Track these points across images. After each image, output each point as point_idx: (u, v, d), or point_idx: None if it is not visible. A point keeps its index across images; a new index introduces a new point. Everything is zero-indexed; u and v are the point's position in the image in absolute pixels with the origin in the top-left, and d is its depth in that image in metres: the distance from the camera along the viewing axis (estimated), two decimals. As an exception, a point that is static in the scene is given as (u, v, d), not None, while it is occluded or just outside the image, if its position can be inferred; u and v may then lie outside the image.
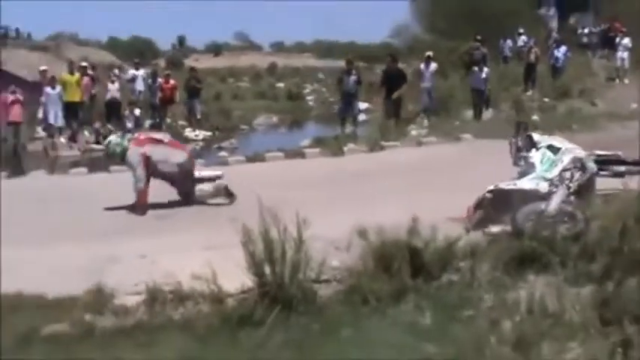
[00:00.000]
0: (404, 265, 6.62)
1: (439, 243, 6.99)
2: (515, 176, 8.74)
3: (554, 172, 8.41)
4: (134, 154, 10.27)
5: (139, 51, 65.42)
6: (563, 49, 28.61)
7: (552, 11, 43.91)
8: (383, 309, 6.23)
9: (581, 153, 8.65)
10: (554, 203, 8.01)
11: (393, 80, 20.61)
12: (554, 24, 38.37)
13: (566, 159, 8.48)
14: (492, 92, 23.26)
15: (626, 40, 27.26)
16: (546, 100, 24.48)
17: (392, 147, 16.48)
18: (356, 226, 7.24)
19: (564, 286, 6.36)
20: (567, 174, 8.41)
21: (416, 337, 5.72)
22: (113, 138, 10.75)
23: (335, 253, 7.27)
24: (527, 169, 8.58)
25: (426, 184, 10.46)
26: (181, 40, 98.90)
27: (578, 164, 8.53)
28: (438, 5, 46.56)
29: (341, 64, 26.48)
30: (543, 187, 8.23)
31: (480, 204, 8.57)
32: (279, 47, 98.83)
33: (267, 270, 6.22)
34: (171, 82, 26.31)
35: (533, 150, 8.69)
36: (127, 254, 7.59)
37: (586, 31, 33.96)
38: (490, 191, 8.46)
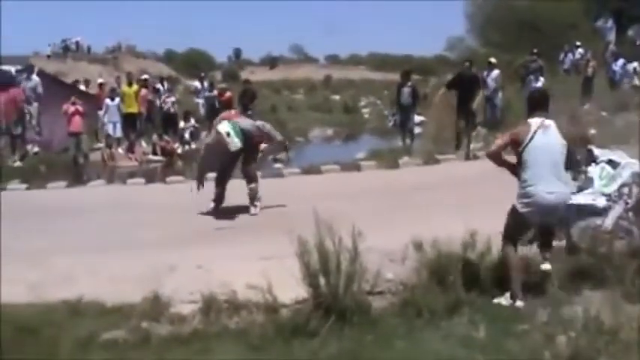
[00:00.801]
0: (458, 279, 6.63)
1: (494, 257, 6.98)
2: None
3: (613, 188, 8.30)
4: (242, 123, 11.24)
5: (194, 63, 66.14)
6: (620, 61, 28.21)
7: (610, 23, 43.29)
8: (436, 322, 6.25)
9: None
10: (610, 219, 7.92)
11: (466, 86, 18.32)
12: (611, 36, 37.75)
13: (625, 174, 8.35)
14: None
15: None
16: (604, 113, 24.15)
17: (447, 160, 16.42)
18: (411, 238, 7.25)
19: (621, 303, 6.30)
20: (626, 189, 8.28)
21: (469, 350, 5.73)
22: (223, 126, 11.01)
23: (390, 265, 7.28)
24: (585, 184, 8.48)
25: (482, 198, 10.39)
26: (237, 53, 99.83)
27: (638, 180, 8.40)
28: (493, 18, 46.31)
29: (395, 76, 26.39)
30: (601, 202, 8.09)
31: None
32: (334, 60, 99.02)
33: (322, 281, 6.28)
34: (227, 94, 26.52)
35: (593, 164, 8.58)
36: (183, 263, 7.68)
37: (641, 43, 33.40)
38: None
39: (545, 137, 6.95)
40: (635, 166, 8.45)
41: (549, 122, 7.08)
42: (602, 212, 8.04)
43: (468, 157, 16.70)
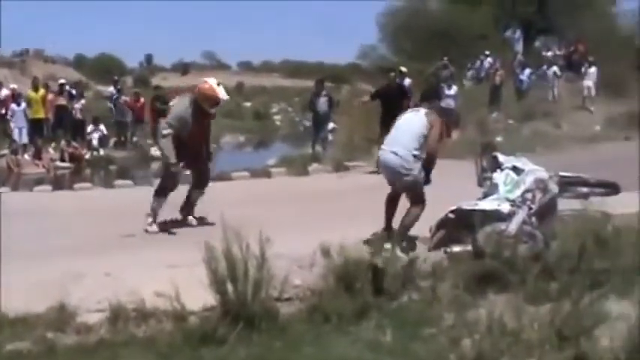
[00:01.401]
0: (366, 284, 6.71)
1: (401, 262, 7.09)
2: (479, 197, 8.85)
3: (517, 193, 8.51)
4: None
5: (105, 68, 65.09)
6: (527, 71, 28.97)
7: (518, 34, 44.44)
8: (344, 327, 6.30)
9: (544, 174, 8.73)
10: (514, 224, 8.11)
11: (393, 96, 16.71)
12: (519, 47, 38.79)
13: (528, 180, 8.57)
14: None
15: (593, 69, 27.37)
16: (511, 121, 24.74)
17: (357, 167, 16.57)
18: (319, 244, 7.31)
19: (523, 305, 6.45)
20: (529, 195, 8.50)
21: (377, 354, 5.79)
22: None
23: (298, 271, 7.31)
24: (490, 190, 8.67)
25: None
26: (149, 59, 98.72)
27: (541, 185, 8.63)
28: (405, 27, 46.87)
29: (308, 84, 26.52)
30: (505, 207, 8.28)
31: (441, 224, 8.65)
32: (246, 66, 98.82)
33: (230, 288, 6.27)
34: (141, 100, 26.26)
35: (498, 171, 8.78)
36: (91, 272, 7.55)
37: (550, 54, 34.35)
38: (452, 211, 8.53)
39: (412, 115, 9.00)
40: (538, 173, 8.69)
41: (423, 109, 9.08)
42: (507, 217, 8.22)
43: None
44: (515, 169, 8.73)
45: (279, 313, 6.46)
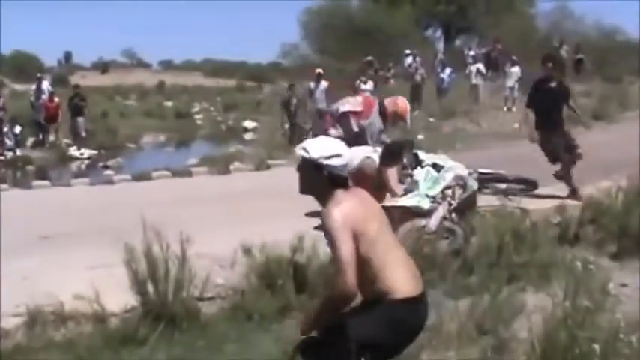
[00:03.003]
0: (287, 282, 6.74)
1: (322, 259, 7.13)
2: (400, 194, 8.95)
3: (437, 190, 8.63)
4: None
5: (22, 66, 63.68)
6: (448, 70, 29.35)
7: (439, 33, 45.11)
8: (267, 325, 6.34)
9: (463, 171, 8.87)
10: (434, 220, 8.20)
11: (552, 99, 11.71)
12: (440, 46, 39.33)
13: (448, 177, 8.70)
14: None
15: (516, 69, 27.70)
16: (431, 119, 25.02)
17: (278, 165, 16.61)
18: (240, 243, 7.32)
19: (443, 300, 6.57)
20: (449, 192, 8.63)
21: (299, 351, 5.82)
22: None
23: (219, 270, 7.33)
24: (411, 187, 8.76)
25: (311, 203, 10.56)
26: (67, 56, 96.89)
27: (461, 182, 8.77)
28: (327, 26, 47.09)
29: (230, 83, 26.51)
30: (425, 204, 8.38)
31: None
32: (167, 65, 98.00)
33: (151, 288, 6.24)
34: (56, 99, 25.80)
35: (418, 168, 8.87)
36: (8, 275, 7.40)
37: (471, 52, 34.89)
38: None
39: None
40: (458, 170, 8.83)
41: None
42: (427, 214, 8.31)
43: None
44: (435, 166, 8.84)
45: (200, 313, 6.46)
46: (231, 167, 16.30)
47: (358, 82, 23.39)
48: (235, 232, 7.91)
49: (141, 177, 15.49)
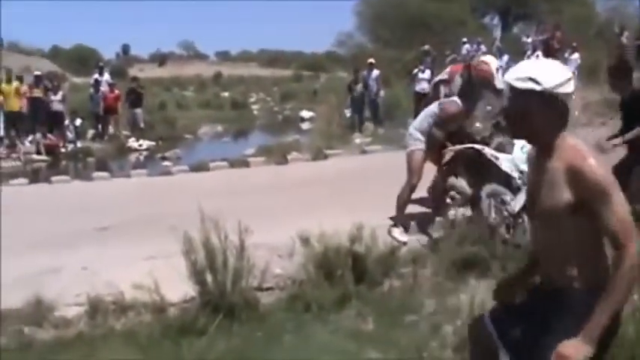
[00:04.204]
0: (346, 272, 6.67)
1: (381, 249, 7.05)
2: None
3: (525, 168, 8.42)
4: None
5: (82, 59, 64.55)
6: (505, 57, 28.96)
7: (496, 20, 44.59)
8: (325, 316, 6.27)
9: None
10: (519, 202, 7.76)
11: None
12: (497, 33, 38.85)
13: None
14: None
15: (576, 56, 27.22)
16: (489, 107, 24.67)
17: (335, 155, 16.55)
18: (298, 233, 7.26)
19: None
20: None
21: (358, 342, 5.77)
22: None
23: (278, 260, 7.29)
24: (506, 147, 8.34)
25: (368, 192, 10.52)
26: (125, 49, 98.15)
27: None
28: (382, 15, 46.95)
29: (286, 73, 26.54)
30: (516, 176, 8.03)
31: (454, 158, 8.48)
32: (224, 56, 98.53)
33: (209, 278, 6.22)
34: (116, 91, 26.10)
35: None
36: (68, 265, 7.48)
37: (529, 40, 34.39)
38: (471, 148, 8.35)
39: None
40: None
41: None
42: (514, 190, 8.00)
43: None
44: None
45: (259, 303, 6.42)
46: (289, 157, 16.28)
47: (416, 70, 23.19)
48: (293, 222, 7.86)
49: (198, 167, 15.57)
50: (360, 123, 22.59)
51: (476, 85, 9.07)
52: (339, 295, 6.51)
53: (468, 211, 8.51)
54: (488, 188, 7.99)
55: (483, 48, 30.69)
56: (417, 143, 8.62)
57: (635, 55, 34.59)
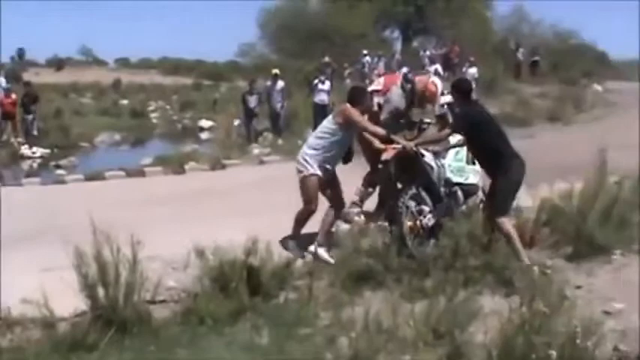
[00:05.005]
0: (241, 285, 6.65)
1: (276, 262, 7.06)
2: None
3: (459, 179, 8.77)
4: None
5: (-28, 63, 62.42)
6: (404, 70, 29.44)
7: (396, 34, 45.42)
8: (220, 329, 6.24)
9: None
10: (436, 215, 8.14)
11: None
12: (397, 46, 39.63)
13: (478, 178, 8.87)
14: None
15: (474, 70, 27.88)
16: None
17: (233, 165, 16.51)
18: (194, 245, 7.20)
19: (399, 302, 6.54)
20: (460, 193, 8.77)
21: (253, 356, 5.77)
22: None
23: (172, 273, 7.23)
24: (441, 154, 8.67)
25: (265, 203, 10.52)
26: (20, 53, 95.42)
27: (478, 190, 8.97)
28: (284, 26, 47.15)
29: (187, 81, 26.34)
30: (442, 186, 8.46)
31: (394, 157, 8.35)
32: (124, 63, 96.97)
33: (101, 292, 6.10)
34: (13, 96, 25.35)
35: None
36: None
37: (427, 53, 35.10)
38: (413, 150, 8.22)
39: None
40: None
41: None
42: (436, 199, 8.31)
43: None
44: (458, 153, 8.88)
45: (152, 317, 6.33)
46: (186, 167, 16.16)
47: (316, 81, 23.31)
48: (189, 234, 7.76)
49: (94, 177, 15.26)
50: (250, 134, 22.24)
51: (417, 98, 9.39)
52: (233, 308, 6.49)
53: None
54: (412, 192, 8.06)
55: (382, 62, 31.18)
56: (309, 167, 8.26)
57: (529, 71, 35.86)
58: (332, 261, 7.97)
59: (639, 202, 8.95)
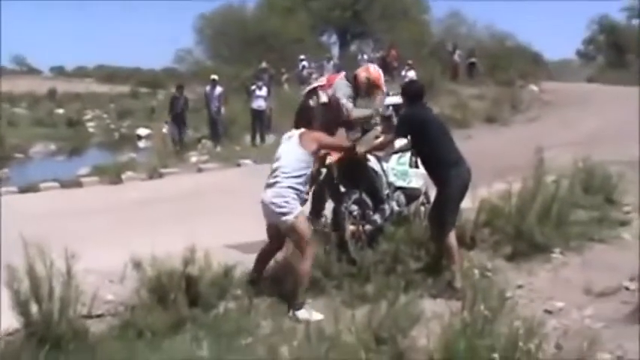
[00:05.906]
0: (180, 296, 6.54)
1: (215, 270, 6.95)
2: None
3: (401, 183, 8.75)
4: None
5: None
6: (342, 74, 29.52)
7: (334, 38, 45.61)
8: (158, 342, 6.10)
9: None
10: (378, 219, 8.18)
11: None
12: (335, 51, 39.82)
13: (422, 182, 8.86)
14: (274, 117, 23.34)
15: (412, 73, 28.13)
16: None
17: (171, 174, 16.35)
18: (131, 257, 7.05)
19: (341, 309, 6.49)
20: (403, 196, 8.76)
21: (192, 368, 5.65)
22: None
23: (109, 286, 7.08)
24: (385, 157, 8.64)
25: (204, 212, 10.41)
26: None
27: (422, 194, 9.01)
28: (221, 32, 47.06)
29: (124, 89, 26.03)
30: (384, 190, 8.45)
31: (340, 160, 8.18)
32: (59, 71, 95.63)
33: (34, 308, 5.93)
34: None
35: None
36: None
37: (365, 57, 35.30)
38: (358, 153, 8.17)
39: (285, 145, 7.46)
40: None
41: (292, 133, 7.55)
42: (378, 202, 8.33)
43: None
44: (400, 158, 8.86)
45: (88, 332, 6.17)
46: (124, 176, 15.96)
47: (253, 87, 23.20)
48: (126, 245, 7.59)
49: (28, 189, 14.95)
50: (181, 139, 22.05)
51: (364, 86, 9.22)
52: (172, 319, 6.37)
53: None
54: (355, 196, 8.00)
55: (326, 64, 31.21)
56: (294, 209, 7.12)
57: (466, 73, 36.30)
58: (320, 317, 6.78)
59: (576, 201, 9.07)
